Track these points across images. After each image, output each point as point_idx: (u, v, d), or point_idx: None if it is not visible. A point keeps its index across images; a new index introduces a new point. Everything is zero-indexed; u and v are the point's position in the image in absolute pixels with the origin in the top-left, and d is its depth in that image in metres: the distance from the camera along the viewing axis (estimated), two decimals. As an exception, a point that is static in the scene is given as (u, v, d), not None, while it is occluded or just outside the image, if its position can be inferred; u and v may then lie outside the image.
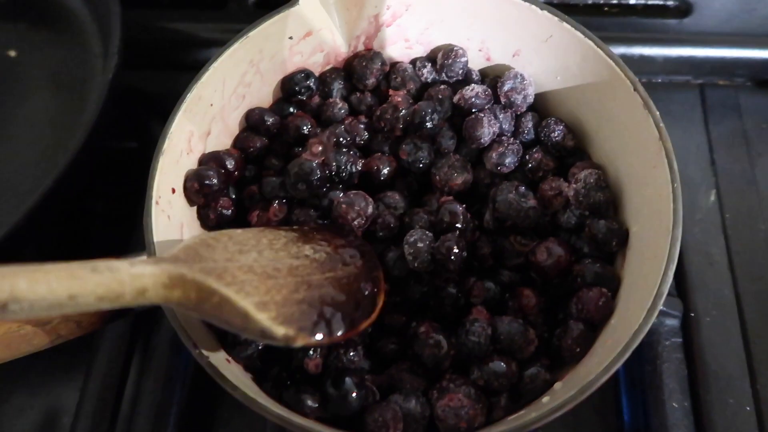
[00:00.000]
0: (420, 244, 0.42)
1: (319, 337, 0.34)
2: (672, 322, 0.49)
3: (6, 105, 0.60)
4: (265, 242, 0.38)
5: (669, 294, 0.49)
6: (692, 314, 0.49)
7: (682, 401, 0.46)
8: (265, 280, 0.34)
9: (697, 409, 0.46)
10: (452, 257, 0.41)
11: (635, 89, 0.40)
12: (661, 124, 0.38)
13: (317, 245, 0.39)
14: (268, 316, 0.32)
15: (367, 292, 0.38)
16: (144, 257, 0.34)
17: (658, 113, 0.39)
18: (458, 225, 0.43)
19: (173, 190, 0.42)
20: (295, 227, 0.43)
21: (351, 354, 0.40)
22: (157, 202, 0.39)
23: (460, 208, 0.43)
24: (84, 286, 0.26)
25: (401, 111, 0.47)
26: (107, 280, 0.27)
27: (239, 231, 0.38)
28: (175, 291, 0.30)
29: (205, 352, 0.35)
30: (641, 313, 0.34)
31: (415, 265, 0.42)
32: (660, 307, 0.34)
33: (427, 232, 0.42)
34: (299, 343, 0.32)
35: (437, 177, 0.46)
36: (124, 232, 0.55)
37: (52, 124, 0.58)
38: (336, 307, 0.35)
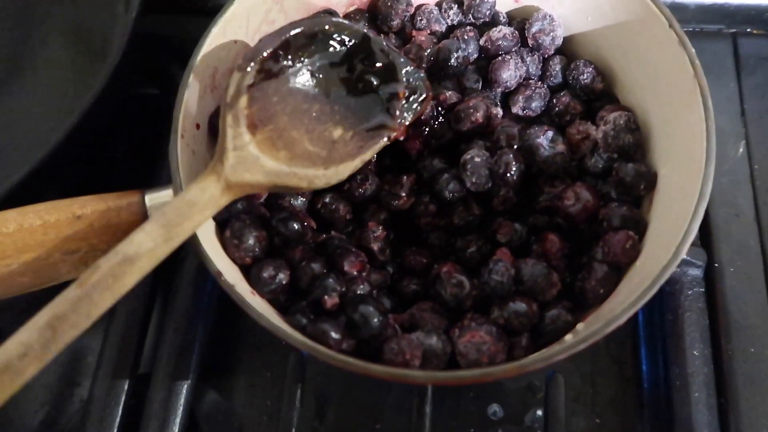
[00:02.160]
0: (477, 159, 0.41)
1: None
2: (695, 272, 0.48)
3: (27, 47, 0.59)
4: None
5: (693, 244, 0.48)
6: (716, 264, 0.49)
7: (703, 350, 0.46)
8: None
9: (717, 358, 0.46)
10: (510, 172, 0.41)
11: (671, 26, 0.39)
12: (697, 62, 0.38)
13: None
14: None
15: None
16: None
17: (693, 50, 0.38)
18: (515, 145, 0.43)
19: (197, 126, 0.42)
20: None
21: (368, 291, 0.40)
22: (182, 136, 0.39)
23: (515, 129, 0.43)
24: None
25: (425, 50, 0.46)
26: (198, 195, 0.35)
27: None
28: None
29: (230, 281, 0.35)
30: (670, 250, 0.34)
31: (473, 180, 0.41)
32: (689, 243, 0.34)
33: (484, 150, 0.42)
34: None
35: (471, 102, 0.45)
36: (145, 176, 0.55)
37: (74, 67, 0.58)
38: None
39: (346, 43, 0.41)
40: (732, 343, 0.46)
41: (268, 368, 0.50)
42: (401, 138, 0.43)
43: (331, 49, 0.41)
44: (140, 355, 0.49)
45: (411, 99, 0.42)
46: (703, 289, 0.48)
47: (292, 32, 0.38)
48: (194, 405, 0.48)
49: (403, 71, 0.43)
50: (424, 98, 0.43)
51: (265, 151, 0.36)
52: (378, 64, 0.42)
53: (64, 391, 0.51)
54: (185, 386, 0.46)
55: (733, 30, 0.59)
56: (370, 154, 0.42)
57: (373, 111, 0.42)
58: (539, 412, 0.47)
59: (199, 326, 0.49)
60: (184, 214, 0.33)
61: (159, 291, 0.51)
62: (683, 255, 0.33)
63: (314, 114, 0.39)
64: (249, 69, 0.37)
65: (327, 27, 0.40)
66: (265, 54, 0.37)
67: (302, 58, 0.39)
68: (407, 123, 0.43)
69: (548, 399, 0.45)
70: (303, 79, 0.39)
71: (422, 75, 0.43)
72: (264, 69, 0.37)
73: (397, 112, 0.42)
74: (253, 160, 0.36)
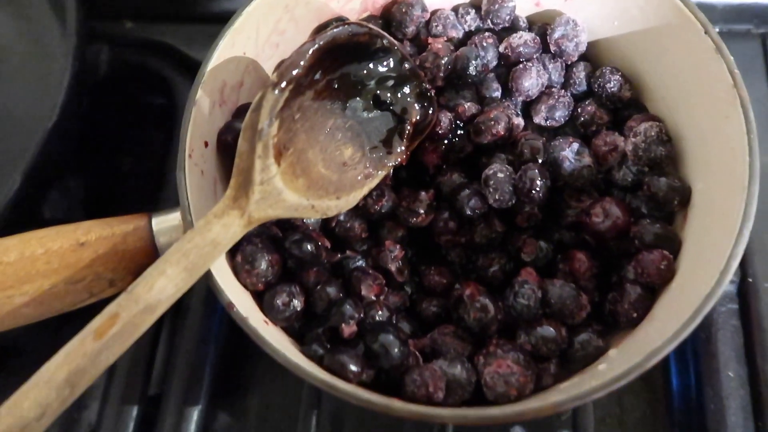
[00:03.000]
0: (500, 175, 0.39)
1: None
2: (728, 288, 0.47)
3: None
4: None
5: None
6: (750, 279, 0.46)
7: (738, 370, 0.44)
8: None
9: (753, 379, 0.44)
10: (536, 188, 0.39)
11: (706, 32, 0.37)
12: (736, 71, 0.35)
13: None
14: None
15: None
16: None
17: (732, 58, 0.36)
18: (539, 158, 0.40)
19: (206, 144, 0.40)
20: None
21: (387, 316, 0.39)
22: (190, 156, 0.37)
23: (540, 142, 0.41)
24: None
25: (442, 59, 0.44)
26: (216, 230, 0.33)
27: None
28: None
29: (243, 314, 0.33)
30: (713, 276, 0.32)
31: (496, 197, 0.39)
32: (734, 268, 0.32)
33: (506, 165, 0.40)
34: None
35: (491, 114, 0.43)
36: (153, 189, 0.54)
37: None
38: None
39: (375, 54, 0.39)
40: (769, 362, 0.44)
41: (281, 390, 0.48)
42: (404, 164, 0.42)
43: (359, 59, 0.38)
44: (150, 377, 0.48)
45: (420, 123, 0.40)
46: (737, 306, 0.46)
47: (326, 42, 0.35)
48: (206, 429, 0.46)
49: (419, 92, 0.41)
50: (430, 122, 0.41)
51: (287, 182, 0.34)
52: (399, 82, 0.40)
53: (71, 414, 0.49)
54: (197, 410, 0.45)
55: (763, 30, 0.56)
56: (377, 181, 0.40)
57: (385, 132, 0.40)
58: (565, 434, 0.45)
59: (210, 347, 0.47)
60: (207, 254, 0.31)
61: (168, 310, 0.50)
62: (728, 281, 0.31)
63: (328, 130, 0.37)
64: (284, 88, 0.33)
65: (362, 36, 0.37)
66: (299, 70, 0.34)
67: (330, 70, 0.37)
68: (412, 148, 0.41)
69: (576, 421, 0.43)
70: (326, 91, 0.37)
71: (434, 96, 0.42)
72: (294, 85, 0.35)
73: (406, 136, 0.40)
74: (277, 194, 0.34)
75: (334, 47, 0.35)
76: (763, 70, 0.55)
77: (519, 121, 0.44)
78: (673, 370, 0.47)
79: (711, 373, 0.44)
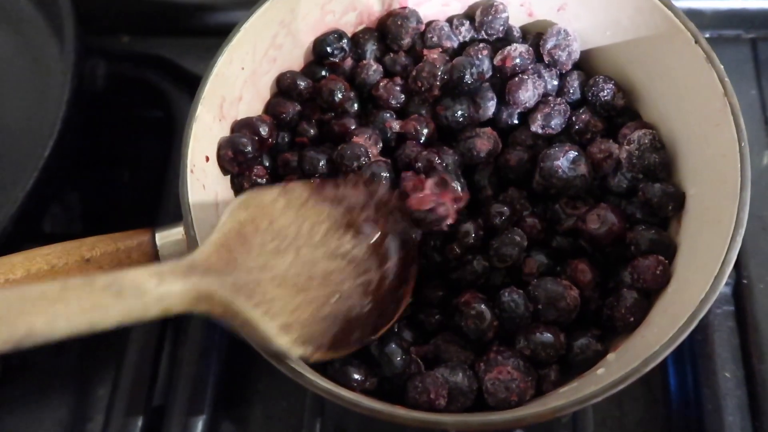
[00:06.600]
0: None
1: (336, 353, 0.34)
2: (723, 289, 0.46)
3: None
4: (305, 229, 0.35)
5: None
6: (745, 281, 0.47)
7: (735, 371, 0.44)
8: (294, 296, 0.33)
9: (750, 380, 0.44)
10: None
11: (697, 41, 0.38)
12: (726, 79, 0.36)
13: (360, 232, 0.37)
14: (289, 340, 0.31)
15: (395, 295, 0.38)
16: (172, 263, 0.30)
17: (722, 67, 0.37)
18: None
19: (207, 158, 0.40)
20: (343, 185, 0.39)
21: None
22: (191, 171, 0.37)
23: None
24: (106, 314, 0.25)
25: (438, 69, 0.45)
26: (131, 305, 0.26)
27: (281, 205, 0.36)
28: (201, 305, 0.29)
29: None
30: (707, 281, 0.32)
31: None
32: (728, 273, 0.32)
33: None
34: (315, 358, 0.33)
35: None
36: (152, 201, 0.54)
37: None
38: (360, 318, 0.35)
39: None
40: (765, 363, 0.44)
41: (284, 397, 0.49)
42: None
43: None
44: (154, 388, 0.48)
45: None
46: (733, 307, 0.47)
47: None
48: (210, 439, 0.46)
49: None
50: None
51: None
52: None
53: (76, 426, 0.49)
54: (201, 420, 0.45)
55: (752, 35, 0.57)
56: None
57: None
58: (565, 437, 0.45)
59: (212, 357, 0.47)
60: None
61: (170, 322, 0.50)
62: (722, 286, 0.32)
63: None
64: None
65: None
66: None
67: None
68: None
69: (576, 423, 0.44)
70: None
71: None
72: None
73: None
74: None
75: None
76: (753, 74, 0.55)
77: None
78: (671, 371, 0.48)
79: (708, 374, 0.44)
